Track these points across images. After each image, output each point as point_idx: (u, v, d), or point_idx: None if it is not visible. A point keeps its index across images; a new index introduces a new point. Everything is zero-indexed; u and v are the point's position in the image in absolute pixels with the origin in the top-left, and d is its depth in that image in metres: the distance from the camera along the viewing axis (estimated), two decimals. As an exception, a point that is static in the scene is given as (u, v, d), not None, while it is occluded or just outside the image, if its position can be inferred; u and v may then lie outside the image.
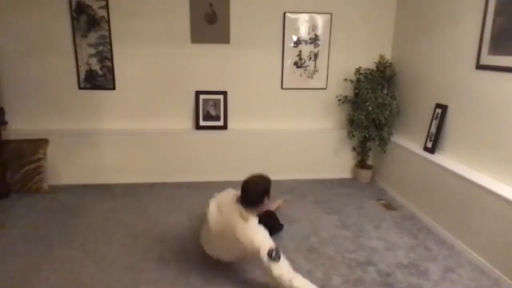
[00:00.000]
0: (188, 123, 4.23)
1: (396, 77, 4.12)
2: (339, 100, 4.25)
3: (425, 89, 3.64)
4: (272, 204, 2.90)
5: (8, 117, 3.91)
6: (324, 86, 4.28)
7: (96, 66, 3.93)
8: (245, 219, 2.31)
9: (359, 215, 3.51)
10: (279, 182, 4.17)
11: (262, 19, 4.05)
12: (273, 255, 2.18)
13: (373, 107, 3.91)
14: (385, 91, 4.08)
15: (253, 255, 2.26)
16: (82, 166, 4.06)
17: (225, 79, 4.14)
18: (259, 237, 2.26)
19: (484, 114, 2.88)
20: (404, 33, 4.05)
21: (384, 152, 4.11)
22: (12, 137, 3.83)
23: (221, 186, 4.23)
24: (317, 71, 4.23)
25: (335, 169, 4.44)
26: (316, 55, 4.19)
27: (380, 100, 3.91)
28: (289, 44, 4.13)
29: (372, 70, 4.14)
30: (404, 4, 4.04)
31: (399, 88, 4.11)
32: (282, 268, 2.17)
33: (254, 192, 2.37)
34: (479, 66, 2.91)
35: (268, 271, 2.19)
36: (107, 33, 3.85)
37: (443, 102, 3.35)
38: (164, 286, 2.43)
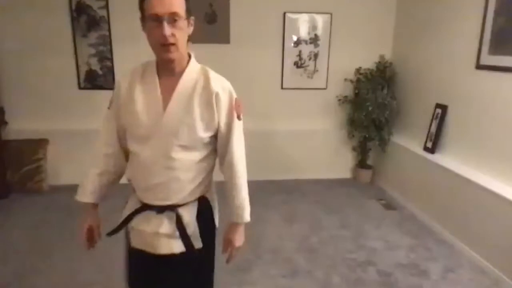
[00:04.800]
0: (188, 123, 4.23)
1: (396, 77, 4.12)
2: (339, 100, 4.25)
3: (425, 89, 3.64)
4: None
5: (8, 117, 3.91)
6: (324, 86, 4.28)
7: (96, 66, 3.93)
8: None
9: (359, 215, 3.51)
10: (279, 182, 4.18)
11: (262, 19, 4.05)
12: None
13: (373, 107, 3.91)
14: (385, 91, 4.07)
15: None
16: (82, 166, 4.03)
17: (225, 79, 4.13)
18: None
19: (484, 114, 2.88)
20: (404, 33, 4.05)
21: (384, 152, 4.11)
22: (12, 137, 3.83)
23: (220, 186, 4.25)
24: (317, 71, 4.23)
25: (335, 169, 4.44)
26: (316, 55, 4.19)
27: (380, 100, 3.91)
28: (289, 44, 4.12)
29: (372, 70, 4.14)
30: (404, 4, 4.04)
31: (399, 88, 4.10)
32: None
33: None
34: (479, 66, 2.91)
35: None
36: (107, 33, 3.85)
37: (443, 102, 3.35)
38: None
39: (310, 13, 4.07)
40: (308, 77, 4.23)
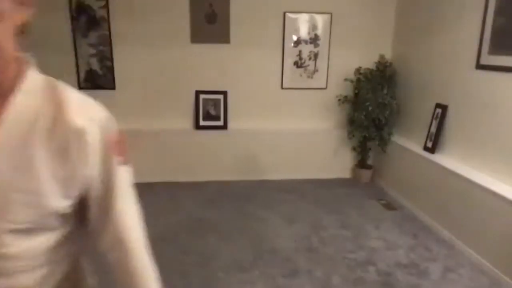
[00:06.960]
0: (188, 123, 4.23)
1: (396, 77, 4.12)
2: (339, 100, 4.25)
3: (425, 89, 3.64)
4: None
5: (8, 117, 3.91)
6: (324, 86, 4.28)
7: (96, 66, 3.93)
8: None
9: (359, 215, 3.51)
10: (279, 182, 4.18)
11: (262, 19, 4.05)
12: None
13: (373, 107, 3.91)
14: (385, 91, 4.07)
15: None
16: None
17: (225, 79, 4.14)
18: None
19: (484, 114, 2.88)
20: (404, 33, 4.05)
21: (384, 152, 4.11)
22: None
23: (221, 186, 4.27)
24: (317, 71, 4.23)
25: (335, 169, 4.44)
26: (316, 55, 4.19)
27: (380, 100, 3.91)
28: (289, 44, 4.12)
29: (372, 70, 4.13)
30: (404, 4, 4.04)
31: (399, 88, 4.10)
32: None
33: None
34: (479, 66, 2.91)
35: None
36: (107, 33, 3.84)
37: (443, 102, 3.35)
38: (163, 286, 2.43)
39: (310, 13, 4.07)
40: (308, 77, 4.23)
